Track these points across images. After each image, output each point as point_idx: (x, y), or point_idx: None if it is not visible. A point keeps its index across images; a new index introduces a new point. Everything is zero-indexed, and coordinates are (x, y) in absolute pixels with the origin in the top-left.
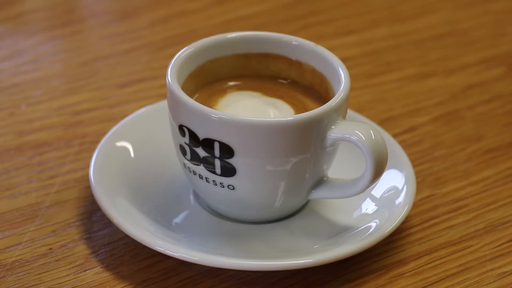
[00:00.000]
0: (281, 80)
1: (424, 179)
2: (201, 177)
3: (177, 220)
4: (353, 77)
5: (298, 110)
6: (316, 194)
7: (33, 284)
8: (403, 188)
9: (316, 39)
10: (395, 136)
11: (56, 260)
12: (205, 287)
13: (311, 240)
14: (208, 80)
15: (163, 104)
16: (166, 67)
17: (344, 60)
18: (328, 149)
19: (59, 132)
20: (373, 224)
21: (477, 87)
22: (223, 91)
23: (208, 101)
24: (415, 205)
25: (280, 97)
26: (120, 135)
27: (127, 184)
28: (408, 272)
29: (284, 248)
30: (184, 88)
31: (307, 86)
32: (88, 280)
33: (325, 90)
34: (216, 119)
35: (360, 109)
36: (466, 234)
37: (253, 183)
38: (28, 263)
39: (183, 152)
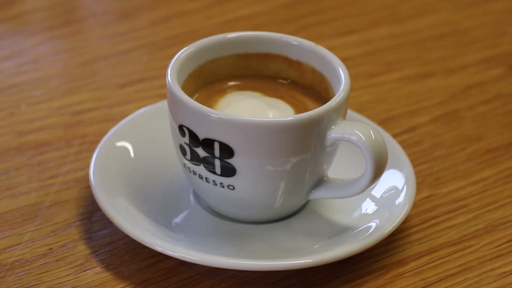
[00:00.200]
0: (281, 80)
1: (424, 179)
2: (201, 177)
3: (177, 220)
4: (353, 77)
5: (298, 110)
6: (316, 194)
7: (33, 284)
8: (403, 188)
9: (316, 39)
10: (395, 136)
11: (56, 260)
12: (205, 287)
13: (311, 240)
14: (208, 80)
15: (163, 104)
16: (166, 67)
17: (344, 60)
18: (328, 149)
19: (59, 132)
20: (373, 224)
21: (477, 87)
22: (223, 91)
23: (208, 101)
24: (415, 205)
25: (280, 97)
26: (120, 135)
27: (127, 184)
28: (408, 272)
29: (284, 248)
30: (184, 88)
31: (307, 86)
32: (88, 280)
33: (325, 90)
34: (216, 119)
35: (360, 109)
36: (466, 234)
37: (253, 183)
38: (28, 263)
39: (183, 152)
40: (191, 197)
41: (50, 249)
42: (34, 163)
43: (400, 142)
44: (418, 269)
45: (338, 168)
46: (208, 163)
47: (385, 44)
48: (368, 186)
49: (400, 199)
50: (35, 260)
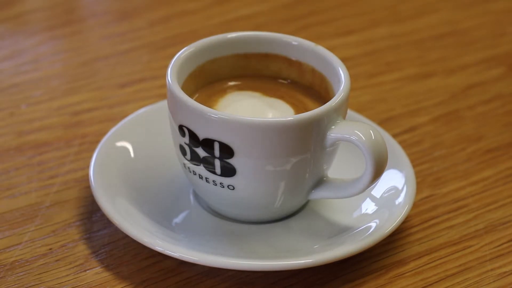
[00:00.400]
0: (281, 80)
1: (424, 179)
2: (201, 177)
3: (177, 220)
4: (353, 77)
5: (298, 110)
6: (316, 194)
7: (33, 284)
8: (403, 188)
9: (316, 39)
10: (395, 136)
11: (56, 260)
12: (205, 287)
13: (311, 240)
14: (208, 80)
15: (163, 104)
16: (166, 67)
17: (344, 60)
18: (328, 149)
19: (59, 132)
20: (373, 224)
21: (477, 87)
22: (223, 91)
23: (208, 101)
24: (415, 205)
25: (280, 97)
26: (120, 135)
27: (127, 184)
28: (408, 272)
29: (284, 248)
30: (184, 88)
31: (307, 86)
32: (88, 280)
33: (325, 90)
34: (216, 119)
35: (360, 109)
36: (466, 234)
37: (253, 183)
38: (28, 263)
39: (183, 152)
40: (191, 197)
41: (50, 249)
42: (34, 163)
43: (400, 142)
44: (418, 269)
45: (338, 168)
46: (208, 163)
47: (385, 44)
48: (368, 186)
49: (400, 199)
50: (35, 260)
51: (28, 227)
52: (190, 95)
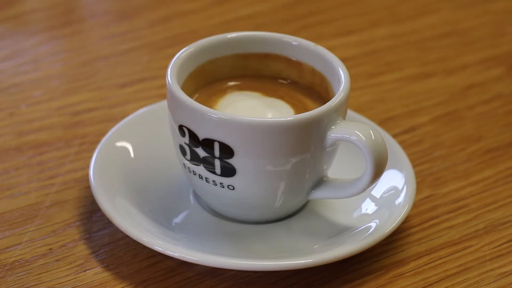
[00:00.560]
0: (281, 80)
1: (424, 179)
2: (201, 177)
3: (177, 220)
4: (353, 77)
5: (298, 110)
6: (316, 194)
7: (33, 284)
8: (403, 188)
9: (316, 39)
10: (395, 136)
11: (56, 260)
12: (205, 287)
13: (311, 240)
14: (208, 80)
15: (163, 104)
16: (166, 67)
17: (344, 60)
18: (328, 149)
19: (59, 132)
20: (373, 224)
21: (477, 87)
22: (223, 91)
23: (208, 101)
24: (415, 205)
25: (280, 97)
26: (120, 135)
27: (127, 184)
28: (408, 272)
29: (284, 248)
30: (184, 88)
31: (307, 86)
32: (88, 280)
33: (325, 90)
34: (216, 119)
35: (360, 109)
36: (466, 234)
37: (253, 183)
38: (28, 263)
39: (183, 152)
40: (191, 197)
41: (50, 249)
42: (34, 163)
43: (400, 142)
44: (418, 269)
45: (338, 168)
46: (208, 163)
47: (385, 44)
48: (368, 186)
49: (400, 199)
50: (35, 260)
51: (28, 227)
52: (190, 95)
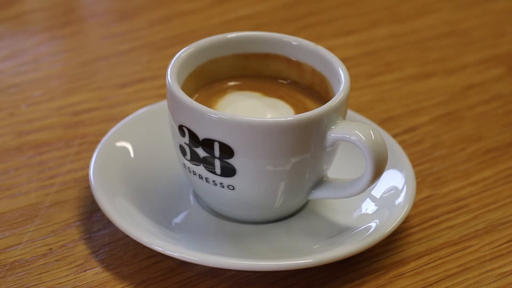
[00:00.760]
0: (281, 80)
1: (424, 179)
2: (201, 177)
3: (177, 220)
4: (353, 77)
5: (298, 110)
6: (316, 194)
7: (33, 284)
8: (403, 188)
9: (316, 39)
10: (395, 136)
11: (56, 260)
12: (205, 287)
13: (311, 240)
14: (208, 80)
15: (163, 104)
16: (166, 67)
17: (344, 60)
18: (328, 149)
19: (59, 132)
20: (373, 224)
21: (477, 87)
22: (223, 91)
23: (208, 101)
24: (415, 205)
25: (280, 97)
26: (120, 135)
27: (127, 184)
28: (408, 272)
29: (284, 248)
30: (184, 88)
31: (307, 86)
32: (88, 280)
33: (325, 90)
34: (216, 119)
35: (360, 109)
36: (466, 234)
37: (253, 183)
38: (28, 263)
39: (183, 152)
40: (191, 197)
41: (50, 249)
42: (34, 163)
43: (400, 142)
44: (418, 269)
45: (338, 168)
46: (208, 163)
47: (385, 44)
48: (368, 186)
49: (400, 199)
50: (35, 260)
51: (28, 227)
52: (190, 95)
